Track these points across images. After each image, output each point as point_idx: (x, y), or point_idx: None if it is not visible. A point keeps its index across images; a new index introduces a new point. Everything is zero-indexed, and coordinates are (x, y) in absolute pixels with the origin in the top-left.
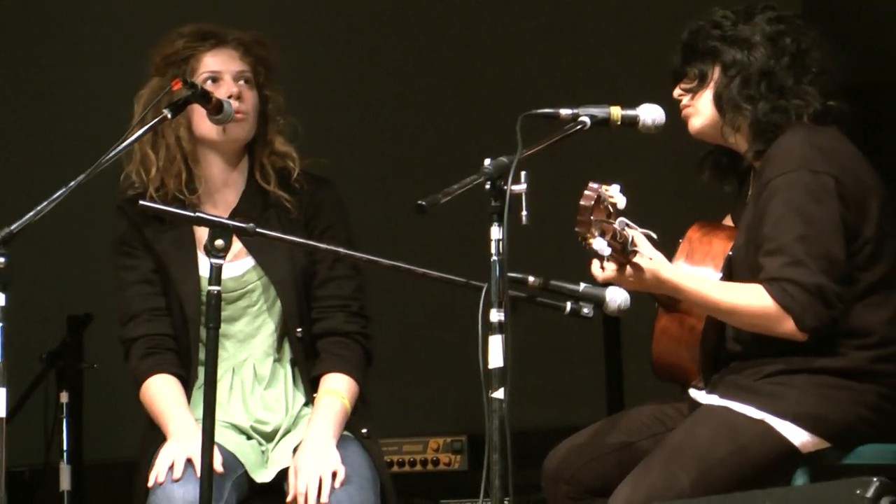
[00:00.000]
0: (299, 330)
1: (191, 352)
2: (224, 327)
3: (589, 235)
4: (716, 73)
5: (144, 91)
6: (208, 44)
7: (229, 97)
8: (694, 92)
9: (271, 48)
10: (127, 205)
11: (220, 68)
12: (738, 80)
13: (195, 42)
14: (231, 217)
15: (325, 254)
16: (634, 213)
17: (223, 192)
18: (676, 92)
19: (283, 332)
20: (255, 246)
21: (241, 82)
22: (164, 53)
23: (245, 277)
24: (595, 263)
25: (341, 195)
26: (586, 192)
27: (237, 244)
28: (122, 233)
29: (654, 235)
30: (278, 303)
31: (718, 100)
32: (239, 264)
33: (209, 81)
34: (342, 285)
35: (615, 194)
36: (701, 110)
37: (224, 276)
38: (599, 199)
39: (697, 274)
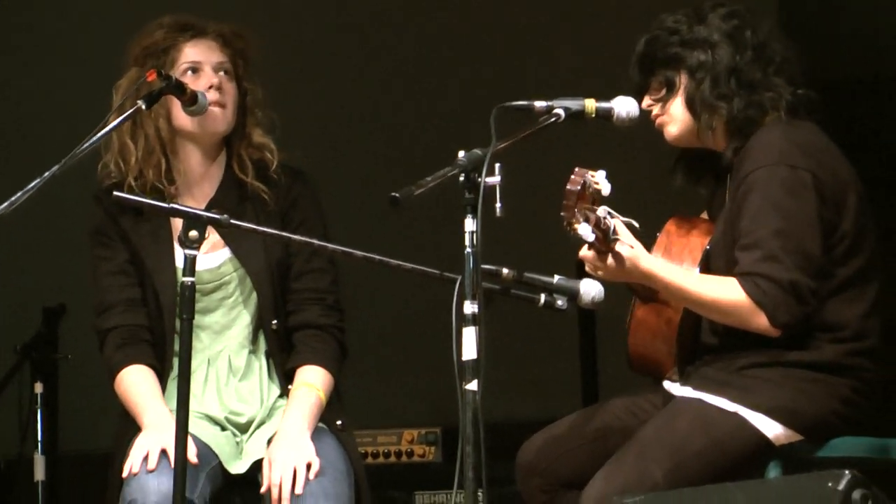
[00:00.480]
0: (274, 322)
1: (166, 343)
2: (199, 318)
3: (574, 221)
4: (683, 78)
5: (123, 81)
6: (188, 35)
7: (210, 87)
8: (664, 101)
9: (250, 41)
10: (103, 195)
11: (201, 59)
12: (708, 81)
13: (175, 33)
14: (208, 208)
15: (299, 246)
16: (613, 203)
17: (201, 183)
18: (645, 103)
19: (259, 325)
20: (231, 238)
21: (221, 73)
22: (144, 44)
23: (221, 269)
24: (583, 249)
25: (317, 188)
26: (573, 176)
27: (214, 236)
28: (98, 223)
29: (637, 225)
30: (254, 295)
31: (691, 103)
32: (215, 256)
33: (189, 72)
34: (318, 278)
35: (601, 181)
36: (675, 117)
37: (200, 267)
38: (585, 185)
39: (675, 266)
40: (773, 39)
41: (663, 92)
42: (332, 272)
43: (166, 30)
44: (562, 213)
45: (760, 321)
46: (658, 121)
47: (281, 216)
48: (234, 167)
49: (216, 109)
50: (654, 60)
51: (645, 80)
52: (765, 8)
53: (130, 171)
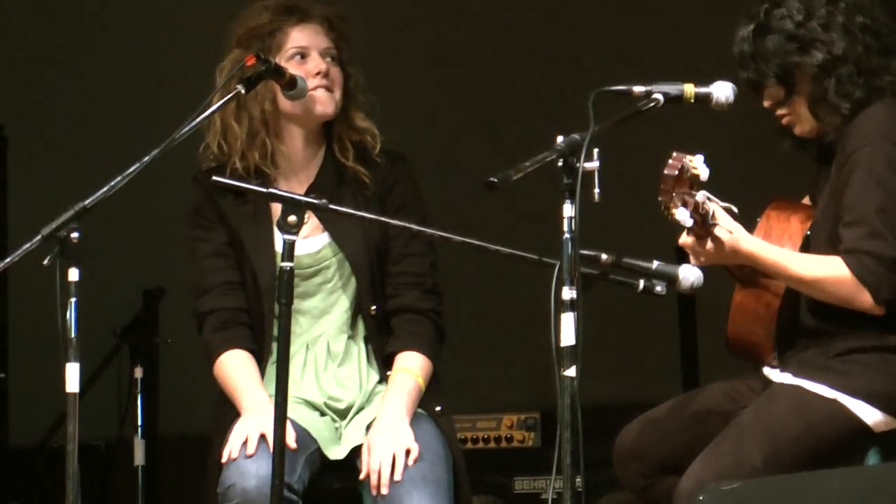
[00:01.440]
0: (373, 308)
1: (264, 326)
2: (298, 303)
3: (672, 205)
4: (804, 82)
5: (225, 63)
6: (294, 18)
7: (318, 74)
8: (787, 103)
9: (352, 23)
10: (203, 176)
11: (308, 44)
12: (833, 83)
13: (281, 16)
14: (307, 193)
15: (398, 230)
16: (711, 188)
17: (303, 166)
18: (766, 103)
19: (357, 309)
20: (330, 223)
21: (328, 58)
22: (249, 25)
23: (321, 254)
24: (683, 235)
25: (415, 171)
26: (670, 161)
27: (313, 220)
28: (197, 204)
29: (735, 210)
30: (353, 279)
31: (815, 106)
32: (314, 240)
33: (297, 57)
34: (416, 262)
35: (699, 165)
36: (801, 116)
37: (299, 252)
38: (683, 170)
39: (775, 246)
40: (881, 12)
41: (784, 95)
42: (431, 256)
43: (272, 13)
44: (659, 198)
45: (864, 298)
46: (785, 121)
47: (380, 200)
48: (334, 150)
49: (323, 93)
50: (769, 64)
51: (761, 79)
52: None
53: (234, 153)
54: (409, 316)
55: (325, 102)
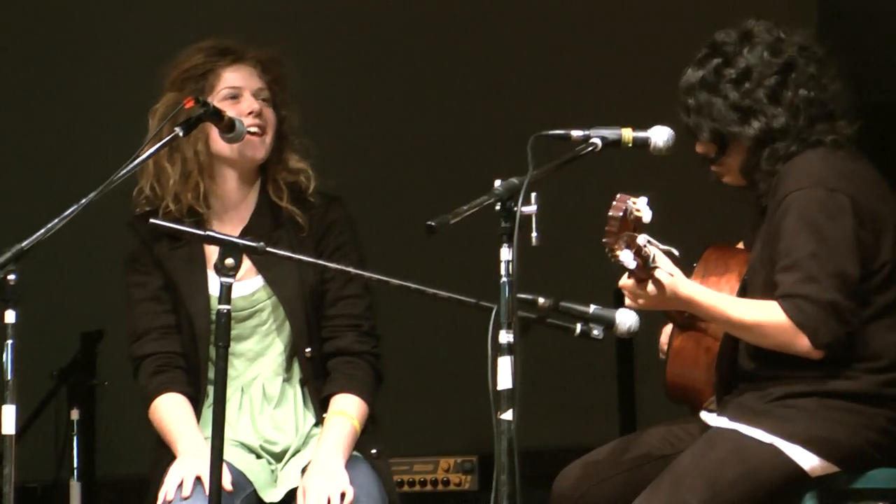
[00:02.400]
0: (308, 349)
1: (200, 370)
2: (233, 346)
3: (616, 247)
4: (740, 147)
5: (159, 106)
6: (228, 59)
7: (250, 113)
8: (716, 160)
9: (287, 66)
10: (138, 222)
11: (241, 84)
12: (766, 153)
13: (214, 58)
14: (241, 235)
15: (335, 273)
16: (652, 230)
17: (237, 208)
18: (699, 149)
19: (293, 352)
20: (264, 265)
21: (261, 100)
22: (182, 68)
23: (255, 296)
24: (623, 277)
25: (352, 213)
26: (615, 202)
27: (247, 262)
28: (133, 250)
29: (676, 253)
30: (288, 322)
31: (745, 169)
32: (249, 283)
33: (229, 98)
34: (353, 304)
35: (642, 207)
36: (731, 170)
37: (234, 294)
38: (627, 212)
39: (714, 291)
40: (827, 78)
41: (714, 153)
42: (368, 298)
43: (205, 54)
44: (604, 240)
45: (802, 343)
46: (714, 170)
47: (316, 242)
48: (269, 191)
49: (254, 137)
50: (707, 125)
51: (698, 132)
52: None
53: (167, 195)
54: (346, 358)
55: (255, 145)
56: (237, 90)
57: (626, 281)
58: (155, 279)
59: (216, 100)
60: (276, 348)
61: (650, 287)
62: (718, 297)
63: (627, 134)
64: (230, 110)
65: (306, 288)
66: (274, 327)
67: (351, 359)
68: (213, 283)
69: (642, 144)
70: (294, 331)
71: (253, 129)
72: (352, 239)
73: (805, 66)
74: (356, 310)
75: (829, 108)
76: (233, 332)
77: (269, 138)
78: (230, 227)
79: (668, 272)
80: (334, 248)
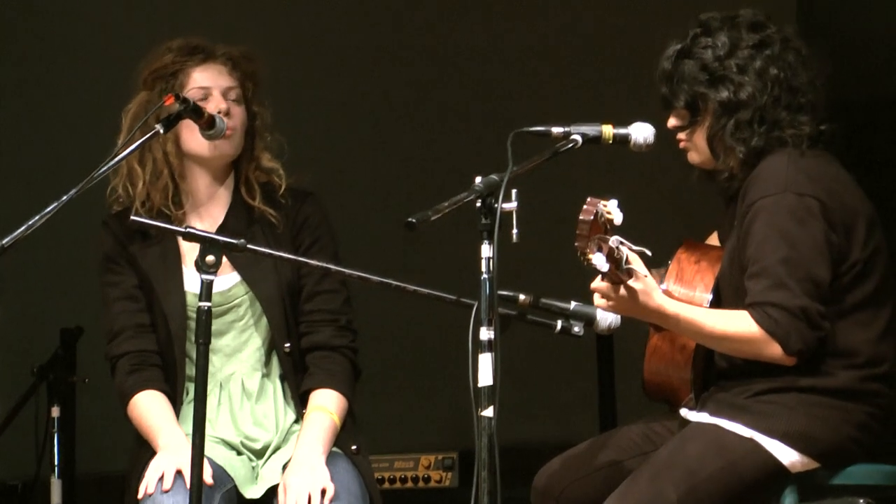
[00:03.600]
0: (287, 345)
1: (176, 367)
2: (211, 341)
3: (588, 251)
4: (707, 112)
5: (132, 105)
6: (197, 58)
7: (218, 113)
8: (687, 129)
9: (259, 63)
10: (112, 220)
11: (209, 84)
12: (731, 124)
13: (184, 57)
14: (217, 232)
15: (313, 269)
16: (624, 229)
17: (209, 207)
18: (671, 123)
19: (271, 347)
20: (240, 261)
21: (230, 98)
22: (153, 67)
23: (231, 292)
24: (596, 280)
25: (326, 208)
26: (585, 206)
27: (223, 259)
28: (107, 249)
29: (649, 253)
30: (265, 317)
31: (711, 142)
32: (225, 279)
33: (199, 99)
34: (330, 299)
35: (613, 210)
36: (697, 146)
37: None
38: (597, 215)
39: (685, 300)
40: (804, 70)
41: (687, 120)
42: (344, 292)
43: (175, 53)
44: (576, 244)
45: (774, 350)
46: (681, 145)
47: (291, 238)
48: (241, 191)
49: (227, 133)
50: (680, 89)
51: (671, 98)
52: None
53: (138, 196)
54: (324, 353)
55: (224, 143)
56: (205, 90)
57: (598, 283)
58: (129, 278)
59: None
60: (254, 344)
61: (622, 291)
62: (688, 309)
63: (608, 130)
64: None
65: (283, 283)
66: (251, 323)
67: (329, 353)
68: (189, 280)
69: (623, 141)
70: (272, 326)
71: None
72: (327, 233)
73: (781, 50)
74: (333, 304)
75: (799, 100)
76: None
77: (238, 136)
78: (204, 226)
79: (641, 279)
80: (310, 244)
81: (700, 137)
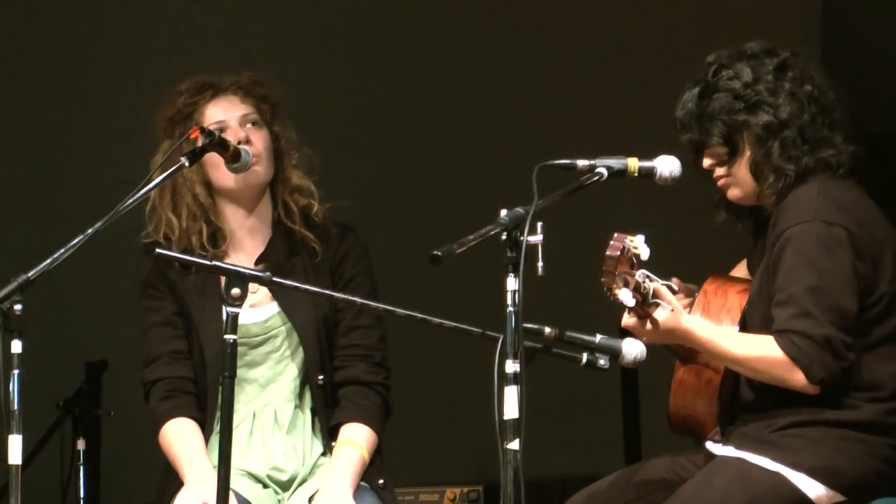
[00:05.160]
0: (321, 378)
1: (208, 396)
2: (245, 372)
3: (614, 286)
4: (748, 142)
5: (157, 156)
6: (207, 95)
7: (238, 143)
8: (728, 164)
9: (270, 85)
10: (153, 247)
11: (224, 116)
12: (777, 146)
13: (194, 97)
14: (257, 262)
15: (344, 303)
16: (652, 263)
17: (248, 239)
18: (706, 163)
19: (305, 379)
20: (279, 292)
21: (248, 125)
22: (167, 115)
23: (269, 323)
24: (625, 316)
25: (366, 244)
26: (612, 242)
27: (263, 289)
28: (147, 274)
29: (676, 287)
30: (301, 349)
31: (757, 168)
32: (263, 309)
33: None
34: (366, 335)
35: (640, 245)
36: (740, 180)
37: (248, 320)
38: (624, 250)
39: (713, 325)
40: (827, 87)
41: (725, 155)
42: (381, 329)
43: (185, 95)
44: (602, 279)
45: (797, 378)
46: (721, 182)
47: (330, 271)
48: (281, 216)
49: (252, 160)
50: (714, 123)
51: (705, 138)
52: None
53: (177, 244)
54: (357, 388)
55: (251, 172)
56: (222, 123)
57: (627, 320)
58: (168, 305)
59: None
60: (289, 375)
61: (649, 325)
62: (716, 330)
63: (633, 164)
64: None
65: (320, 316)
66: (287, 354)
67: (361, 388)
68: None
69: (648, 174)
70: (307, 358)
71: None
72: (366, 269)
73: (803, 70)
74: (369, 340)
75: (833, 116)
76: (246, 359)
77: (264, 161)
78: (246, 256)
79: (667, 307)
80: (349, 279)
81: (741, 169)
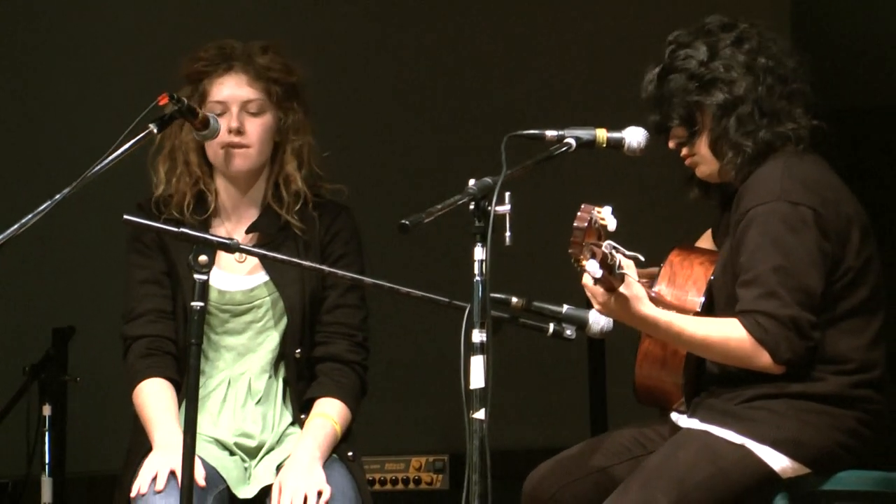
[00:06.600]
0: (298, 351)
1: (189, 359)
2: (225, 339)
3: (582, 257)
4: (706, 120)
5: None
6: (221, 69)
7: (230, 132)
8: (690, 143)
9: (287, 66)
10: (146, 204)
11: (227, 98)
12: (733, 122)
13: (209, 66)
14: (248, 232)
15: (336, 279)
16: (617, 234)
17: (237, 211)
18: (672, 144)
19: (283, 351)
20: (271, 263)
21: (248, 113)
22: (184, 72)
23: (254, 292)
24: (590, 282)
25: (357, 223)
26: (579, 213)
27: (253, 260)
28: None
29: (642, 258)
30: (283, 321)
31: (716, 145)
32: (251, 278)
33: (216, 113)
34: (351, 314)
35: (606, 216)
36: (704, 157)
37: (233, 288)
38: (591, 221)
39: (676, 303)
40: (786, 56)
41: (687, 134)
42: (365, 310)
43: (203, 61)
44: (569, 251)
45: (763, 359)
46: (688, 161)
47: (320, 249)
48: (272, 196)
49: (237, 150)
50: (671, 104)
51: (665, 120)
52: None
53: (174, 208)
54: (336, 365)
55: (237, 160)
56: (223, 105)
57: (593, 287)
58: (157, 262)
59: (206, 109)
60: (268, 346)
61: (614, 297)
62: (678, 318)
63: (602, 134)
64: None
65: (307, 290)
66: (269, 325)
67: (341, 366)
68: (216, 275)
69: (616, 145)
70: (289, 330)
71: (235, 142)
72: (356, 250)
73: (760, 42)
74: (353, 320)
75: (791, 86)
76: (227, 326)
77: (254, 150)
78: (236, 226)
79: (631, 288)
80: (338, 257)
81: (703, 147)
